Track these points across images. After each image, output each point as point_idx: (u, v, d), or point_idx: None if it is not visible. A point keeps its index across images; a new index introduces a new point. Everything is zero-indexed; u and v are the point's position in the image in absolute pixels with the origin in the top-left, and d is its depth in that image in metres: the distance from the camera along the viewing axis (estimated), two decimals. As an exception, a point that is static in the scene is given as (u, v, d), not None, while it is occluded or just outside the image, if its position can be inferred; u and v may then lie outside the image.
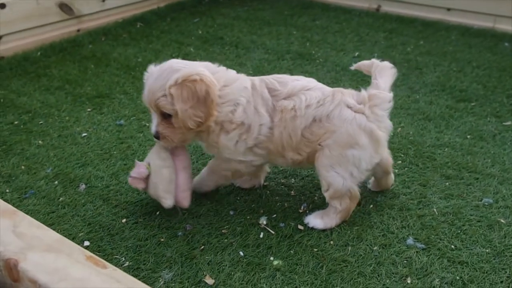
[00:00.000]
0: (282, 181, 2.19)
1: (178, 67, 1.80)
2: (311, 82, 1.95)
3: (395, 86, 2.94)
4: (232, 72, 1.91)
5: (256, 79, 1.92)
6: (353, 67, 2.07)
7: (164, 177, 1.90)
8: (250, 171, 2.00)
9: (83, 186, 2.17)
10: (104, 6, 3.89)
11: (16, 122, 2.64)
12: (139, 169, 1.92)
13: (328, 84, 2.93)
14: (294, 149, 1.88)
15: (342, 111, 1.84)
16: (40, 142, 2.48)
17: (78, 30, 3.75)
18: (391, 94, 1.91)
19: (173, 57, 3.32)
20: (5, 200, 2.06)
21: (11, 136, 2.53)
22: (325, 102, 1.86)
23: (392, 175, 2.10)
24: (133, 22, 3.96)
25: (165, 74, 1.79)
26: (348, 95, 1.88)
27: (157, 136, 1.86)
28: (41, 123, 2.64)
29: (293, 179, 2.20)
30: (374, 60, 1.99)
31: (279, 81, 1.91)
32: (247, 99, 1.84)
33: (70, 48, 3.53)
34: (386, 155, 1.97)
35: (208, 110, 1.77)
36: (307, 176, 2.22)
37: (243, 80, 1.89)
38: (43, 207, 2.05)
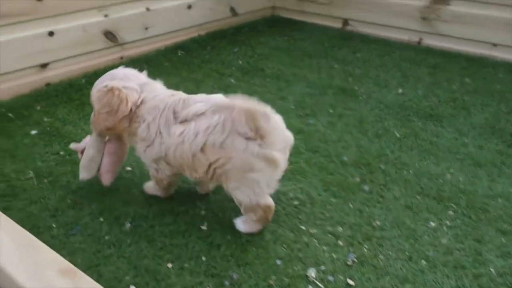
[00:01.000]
0: (329, 229, 2.14)
1: (115, 77, 2.16)
2: (208, 103, 2.02)
3: (441, 127, 2.91)
4: (156, 89, 2.16)
5: (172, 99, 2.09)
6: None
7: (87, 154, 2.26)
8: (169, 179, 2.19)
9: (128, 225, 2.15)
10: (147, 34, 3.92)
11: (62, 153, 2.65)
12: (81, 143, 2.35)
13: (371, 123, 2.93)
14: (190, 168, 2.04)
15: (234, 141, 1.91)
16: (85, 175, 2.48)
17: (121, 58, 3.78)
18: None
19: (214, 88, 3.36)
20: (52, 236, 2.08)
21: (57, 167, 2.53)
22: (215, 131, 1.94)
23: None
24: (175, 50, 3.98)
25: (106, 77, 2.17)
26: (239, 122, 1.91)
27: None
28: (85, 155, 2.64)
29: (340, 228, 2.15)
30: None
31: (184, 103, 2.05)
32: (153, 118, 2.07)
33: (113, 76, 3.54)
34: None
35: (115, 121, 2.11)
36: (356, 225, 2.16)
37: (158, 100, 2.09)
38: (89, 246, 2.03)
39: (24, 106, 3.09)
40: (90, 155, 2.26)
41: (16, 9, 3.14)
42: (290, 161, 2.55)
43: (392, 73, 3.64)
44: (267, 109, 1.91)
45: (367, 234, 2.11)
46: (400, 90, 3.36)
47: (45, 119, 2.96)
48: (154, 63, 3.74)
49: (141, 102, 2.11)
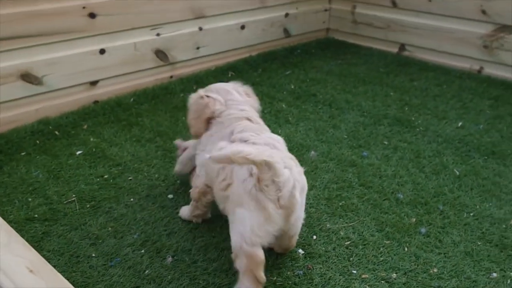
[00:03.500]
0: (383, 274, 1.99)
1: (211, 88, 2.34)
2: (259, 138, 1.99)
3: (504, 166, 2.71)
4: (238, 107, 2.21)
5: (236, 123, 2.13)
6: None
7: (188, 152, 2.43)
8: (202, 190, 2.14)
9: (170, 259, 2.06)
10: (198, 54, 3.87)
11: (106, 176, 2.59)
12: (186, 142, 2.54)
13: (429, 158, 2.76)
14: (211, 182, 2.04)
15: (240, 169, 1.82)
16: (129, 201, 2.41)
17: (171, 77, 3.73)
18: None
19: (265, 113, 3.25)
20: (90, 267, 2.00)
21: (100, 191, 2.48)
22: None
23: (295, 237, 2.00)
24: (225, 71, 3.91)
25: (207, 87, 2.36)
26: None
27: None
28: (130, 179, 2.58)
29: (394, 274, 2.00)
30: None
31: (242, 129, 2.07)
32: (216, 131, 2.18)
33: (163, 96, 3.50)
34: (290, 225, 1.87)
35: (200, 124, 2.25)
36: (411, 271, 2.01)
37: (228, 118, 2.16)
38: (128, 279, 1.95)
39: (71, 124, 3.07)
40: (189, 154, 2.42)
41: (69, 26, 3.14)
42: (341, 197, 2.43)
43: (451, 104, 3.46)
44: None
45: (423, 282, 1.95)
46: (460, 123, 3.18)
47: (92, 139, 2.92)
48: (203, 84, 3.63)
49: (218, 115, 2.20)
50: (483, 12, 3.97)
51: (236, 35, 4.10)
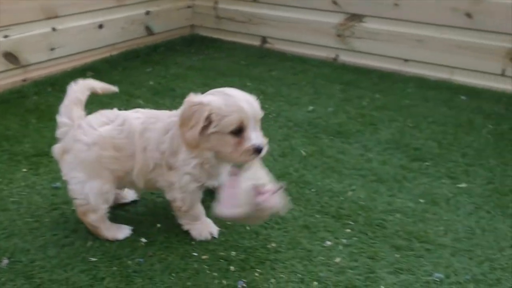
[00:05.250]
0: (222, 254, 2.05)
1: None
2: None
3: (348, 144, 2.88)
4: None
5: None
6: None
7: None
8: None
9: (5, 261, 1.99)
10: (53, 55, 3.76)
11: None
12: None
13: (279, 142, 2.87)
14: None
15: None
16: (-35, 208, 2.30)
17: (24, 80, 3.60)
18: None
19: (121, 110, 3.22)
20: None
21: None
22: None
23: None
24: (83, 72, 3.82)
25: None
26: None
27: (261, 148, 1.91)
28: (-30, 185, 2.46)
29: (234, 252, 2.06)
30: None
31: None
32: None
33: (14, 100, 3.37)
34: None
35: None
36: (250, 248, 2.08)
37: None
38: (-42, 287, 1.86)
39: None
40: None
41: None
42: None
43: (305, 91, 3.62)
44: None
45: (261, 257, 2.03)
46: (310, 108, 3.33)
47: None
48: (59, 86, 3.55)
49: None
50: (334, 2, 4.19)
51: (94, 34, 4.03)
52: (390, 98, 3.51)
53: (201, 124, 1.89)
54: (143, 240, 2.11)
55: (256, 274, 1.94)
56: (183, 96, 3.53)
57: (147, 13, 4.42)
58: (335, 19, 4.22)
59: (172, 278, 1.92)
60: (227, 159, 1.98)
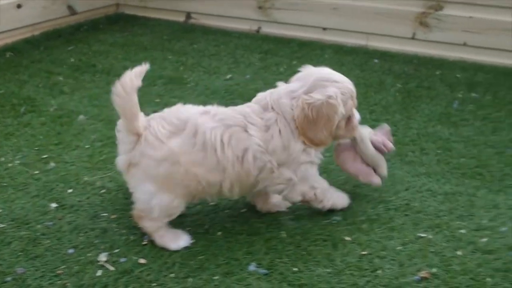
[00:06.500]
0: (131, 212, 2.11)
1: None
2: None
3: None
4: None
5: None
6: None
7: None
8: None
9: None
10: (-31, 36, 3.70)
11: None
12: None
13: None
14: None
15: None
16: None
17: None
18: None
19: (39, 87, 3.23)
20: None
21: None
22: None
23: None
24: (2, 52, 3.78)
25: None
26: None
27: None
28: None
29: (143, 210, 2.13)
30: None
31: None
32: None
33: None
34: None
35: None
36: (159, 206, 2.15)
37: None
38: None
39: None
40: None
41: None
42: (103, 153, 2.52)
43: (225, 61, 3.69)
44: None
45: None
46: (228, 76, 3.41)
47: None
48: (-22, 68, 3.54)
49: None
50: (254, -25, 4.26)
51: (13, 14, 3.98)
52: (307, 63, 3.61)
53: (336, 122, 1.94)
54: (53, 205, 2.15)
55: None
56: (103, 72, 3.60)
57: (69, -8, 4.38)
58: (255, -10, 4.29)
59: (80, 237, 1.98)
60: (336, 138, 2.07)
